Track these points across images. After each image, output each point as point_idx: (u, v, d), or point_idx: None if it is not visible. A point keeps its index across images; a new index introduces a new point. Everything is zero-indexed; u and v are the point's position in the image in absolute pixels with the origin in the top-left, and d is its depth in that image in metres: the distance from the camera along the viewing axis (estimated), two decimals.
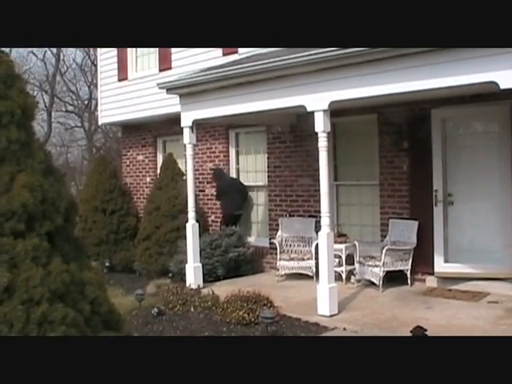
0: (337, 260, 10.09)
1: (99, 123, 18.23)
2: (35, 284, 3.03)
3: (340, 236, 10.72)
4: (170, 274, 11.71)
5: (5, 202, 3.08)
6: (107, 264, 13.27)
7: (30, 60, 32.19)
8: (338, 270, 10.17)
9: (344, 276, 10.35)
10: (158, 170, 14.27)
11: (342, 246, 10.40)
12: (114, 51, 15.37)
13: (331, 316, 8.28)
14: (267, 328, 7.64)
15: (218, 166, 13.33)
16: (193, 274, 10.53)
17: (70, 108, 33.40)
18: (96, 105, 24.69)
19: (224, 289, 9.78)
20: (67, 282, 3.18)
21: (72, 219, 3.54)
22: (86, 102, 32.88)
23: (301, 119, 11.35)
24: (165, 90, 10.82)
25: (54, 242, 3.27)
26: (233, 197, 12.67)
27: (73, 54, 31.54)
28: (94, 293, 3.39)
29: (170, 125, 13.92)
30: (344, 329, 7.79)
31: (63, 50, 31.39)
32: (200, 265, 10.68)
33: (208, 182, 13.66)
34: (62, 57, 32.20)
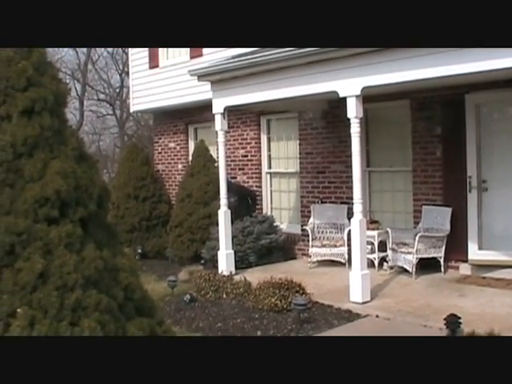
0: (369, 247, 10.04)
1: (131, 111, 18.32)
2: (69, 270, 3.03)
3: (372, 223, 10.66)
4: (202, 261, 11.75)
5: (38, 189, 3.09)
6: (139, 251, 13.34)
7: (62, 49, 32.30)
8: (371, 256, 10.12)
9: (376, 263, 10.30)
10: (190, 157, 14.30)
11: (375, 233, 10.35)
12: None
13: (364, 303, 8.24)
14: (299, 315, 7.64)
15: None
16: (225, 261, 10.56)
17: (102, 96, 33.56)
18: (127, 93, 24.79)
19: (256, 275, 9.79)
20: (101, 269, 3.18)
21: (105, 206, 3.54)
22: (117, 90, 33.01)
23: (333, 105, 11.28)
24: (196, 77, 10.82)
25: (88, 229, 3.28)
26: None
27: None
28: (127, 279, 3.39)
29: (201, 112, 13.93)
30: (377, 316, 7.76)
31: None
32: (232, 251, 10.70)
33: (240, 169, 13.65)
34: None
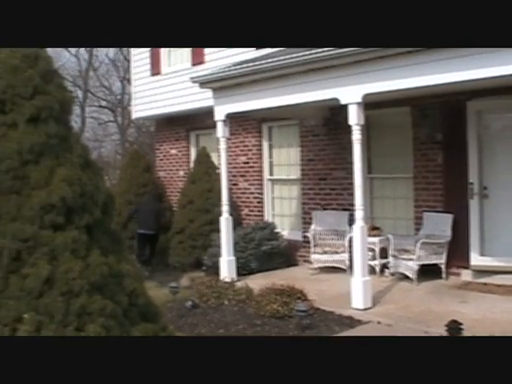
0: (370, 253, 10.06)
1: (132, 118, 18.35)
2: (74, 276, 3.07)
3: (374, 229, 10.68)
4: (204, 267, 11.77)
5: (44, 196, 3.12)
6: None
7: (63, 55, 32.41)
8: (372, 263, 10.15)
9: (378, 269, 10.33)
10: (191, 164, 14.33)
11: (376, 240, 10.37)
12: None
13: (365, 309, 8.26)
14: (301, 321, 7.65)
15: None
16: (226, 267, 10.58)
17: (103, 103, 33.68)
18: (129, 99, 24.85)
19: (258, 282, 9.82)
20: (106, 274, 3.21)
21: (110, 212, 3.57)
22: (118, 97, 33.11)
23: (334, 112, 11.32)
24: (198, 84, 10.86)
25: (93, 235, 3.31)
26: (144, 216, 12.65)
27: (105, 50, 31.75)
28: (132, 285, 3.41)
29: (203, 118, 13.96)
30: (378, 322, 7.77)
31: None
32: (234, 258, 10.72)
33: (241, 176, 13.68)
34: (94, 52, 32.47)
